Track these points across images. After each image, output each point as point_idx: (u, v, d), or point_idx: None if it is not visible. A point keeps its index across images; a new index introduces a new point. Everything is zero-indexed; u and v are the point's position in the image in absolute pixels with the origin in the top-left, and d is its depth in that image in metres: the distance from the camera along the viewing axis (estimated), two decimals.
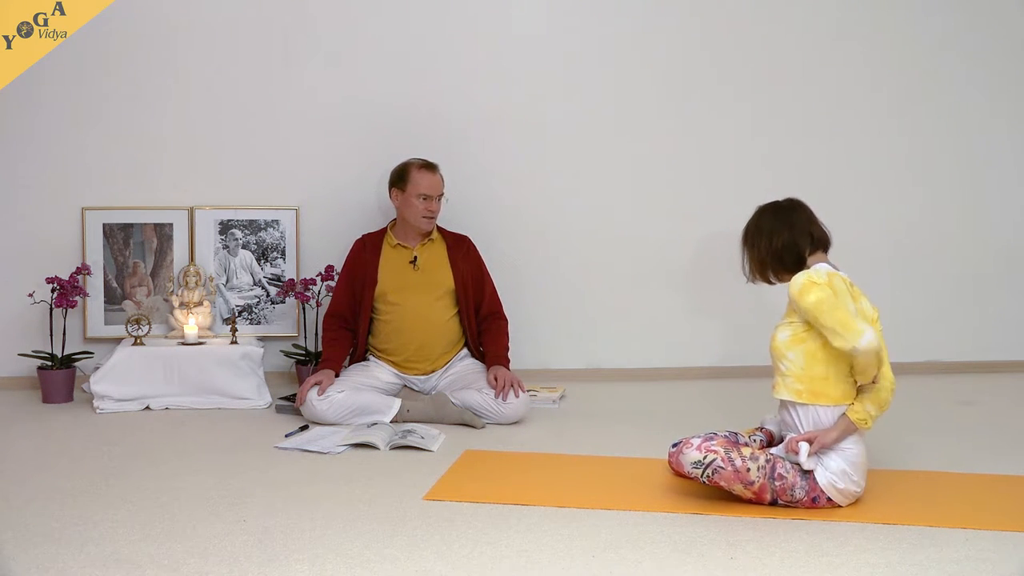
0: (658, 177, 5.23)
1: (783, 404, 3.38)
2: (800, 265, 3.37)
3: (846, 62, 5.27)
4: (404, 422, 4.26)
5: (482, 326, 4.65)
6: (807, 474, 3.23)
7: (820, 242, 3.41)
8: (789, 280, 3.34)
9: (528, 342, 5.05)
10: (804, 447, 3.21)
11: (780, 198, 3.49)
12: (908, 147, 5.34)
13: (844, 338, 3.17)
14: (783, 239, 3.37)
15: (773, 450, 3.34)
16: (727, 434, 3.41)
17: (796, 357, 3.29)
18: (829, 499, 3.24)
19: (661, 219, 5.23)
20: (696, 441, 3.26)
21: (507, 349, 4.60)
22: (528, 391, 4.55)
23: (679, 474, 3.32)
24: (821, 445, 3.22)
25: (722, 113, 5.24)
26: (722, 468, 3.21)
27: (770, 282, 3.47)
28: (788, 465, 3.24)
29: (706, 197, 5.23)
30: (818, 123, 5.28)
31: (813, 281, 3.25)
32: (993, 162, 5.39)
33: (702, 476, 3.23)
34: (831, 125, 5.29)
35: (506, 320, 4.69)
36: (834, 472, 3.23)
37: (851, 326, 3.19)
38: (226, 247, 5.04)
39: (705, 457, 3.22)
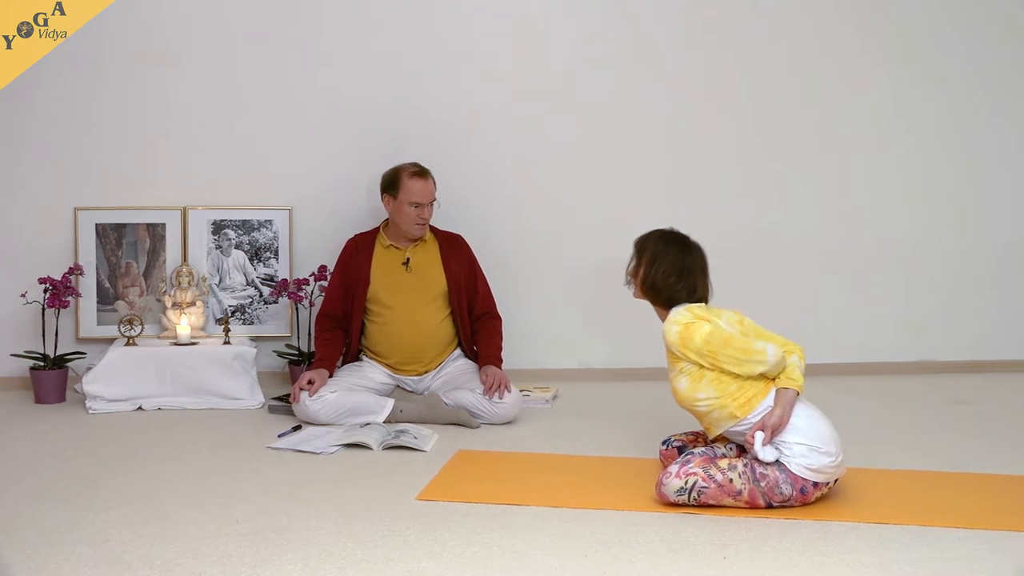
0: (654, 177, 5.22)
1: (728, 434, 3.39)
2: (669, 306, 3.42)
3: (847, 62, 5.26)
4: (397, 422, 4.26)
5: (475, 326, 4.64)
6: (780, 465, 3.22)
7: (699, 299, 3.44)
8: (644, 298, 3.46)
9: (521, 342, 5.04)
10: (758, 437, 3.22)
11: (689, 236, 3.54)
12: (908, 147, 5.34)
13: (751, 362, 3.26)
14: (671, 281, 3.42)
15: (749, 455, 3.34)
16: (703, 451, 3.40)
17: (706, 393, 3.33)
18: (815, 484, 3.23)
19: (656, 219, 5.17)
20: (674, 469, 3.26)
21: (500, 349, 4.58)
22: (521, 391, 4.55)
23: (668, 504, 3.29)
24: (773, 430, 3.23)
25: (722, 112, 5.23)
26: (705, 487, 3.22)
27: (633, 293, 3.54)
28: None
29: (705, 197, 5.22)
30: (818, 123, 5.27)
31: (685, 323, 3.32)
32: (993, 162, 5.39)
33: (689, 500, 3.23)
34: (831, 125, 5.28)
35: (500, 319, 4.68)
36: (800, 454, 3.22)
37: (751, 348, 3.27)
38: (219, 247, 5.03)
39: (686, 482, 3.23)
